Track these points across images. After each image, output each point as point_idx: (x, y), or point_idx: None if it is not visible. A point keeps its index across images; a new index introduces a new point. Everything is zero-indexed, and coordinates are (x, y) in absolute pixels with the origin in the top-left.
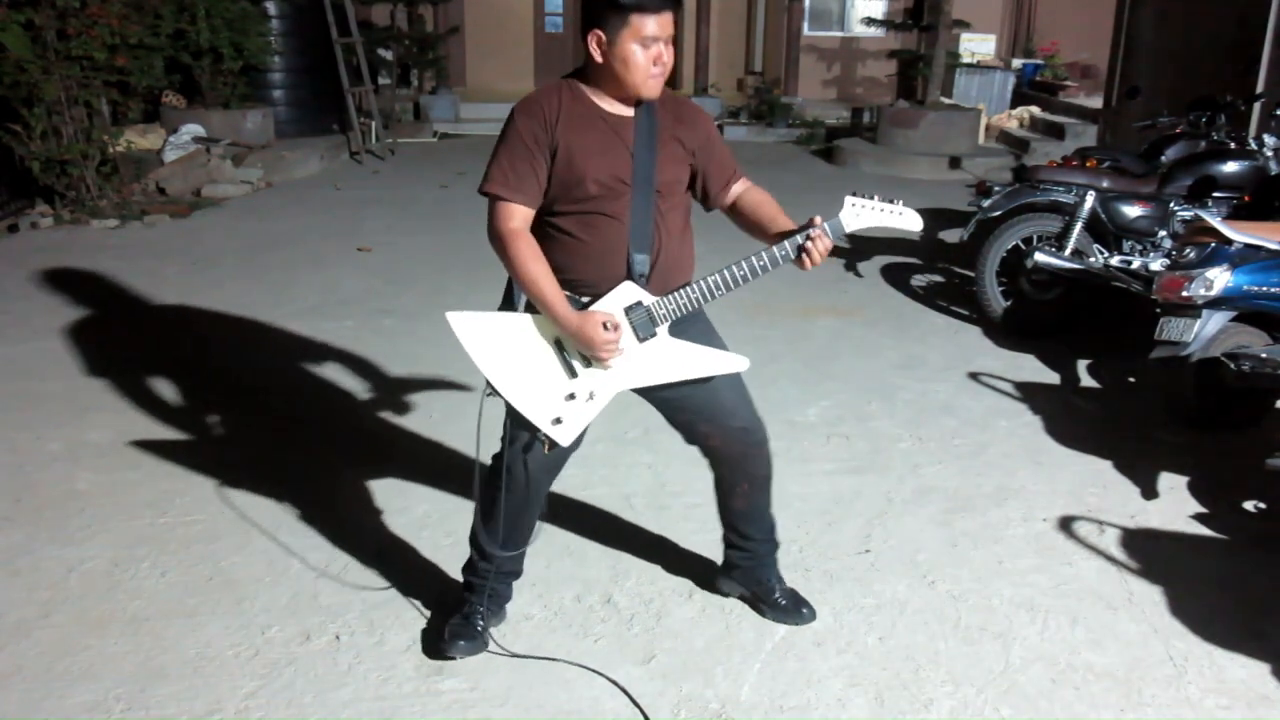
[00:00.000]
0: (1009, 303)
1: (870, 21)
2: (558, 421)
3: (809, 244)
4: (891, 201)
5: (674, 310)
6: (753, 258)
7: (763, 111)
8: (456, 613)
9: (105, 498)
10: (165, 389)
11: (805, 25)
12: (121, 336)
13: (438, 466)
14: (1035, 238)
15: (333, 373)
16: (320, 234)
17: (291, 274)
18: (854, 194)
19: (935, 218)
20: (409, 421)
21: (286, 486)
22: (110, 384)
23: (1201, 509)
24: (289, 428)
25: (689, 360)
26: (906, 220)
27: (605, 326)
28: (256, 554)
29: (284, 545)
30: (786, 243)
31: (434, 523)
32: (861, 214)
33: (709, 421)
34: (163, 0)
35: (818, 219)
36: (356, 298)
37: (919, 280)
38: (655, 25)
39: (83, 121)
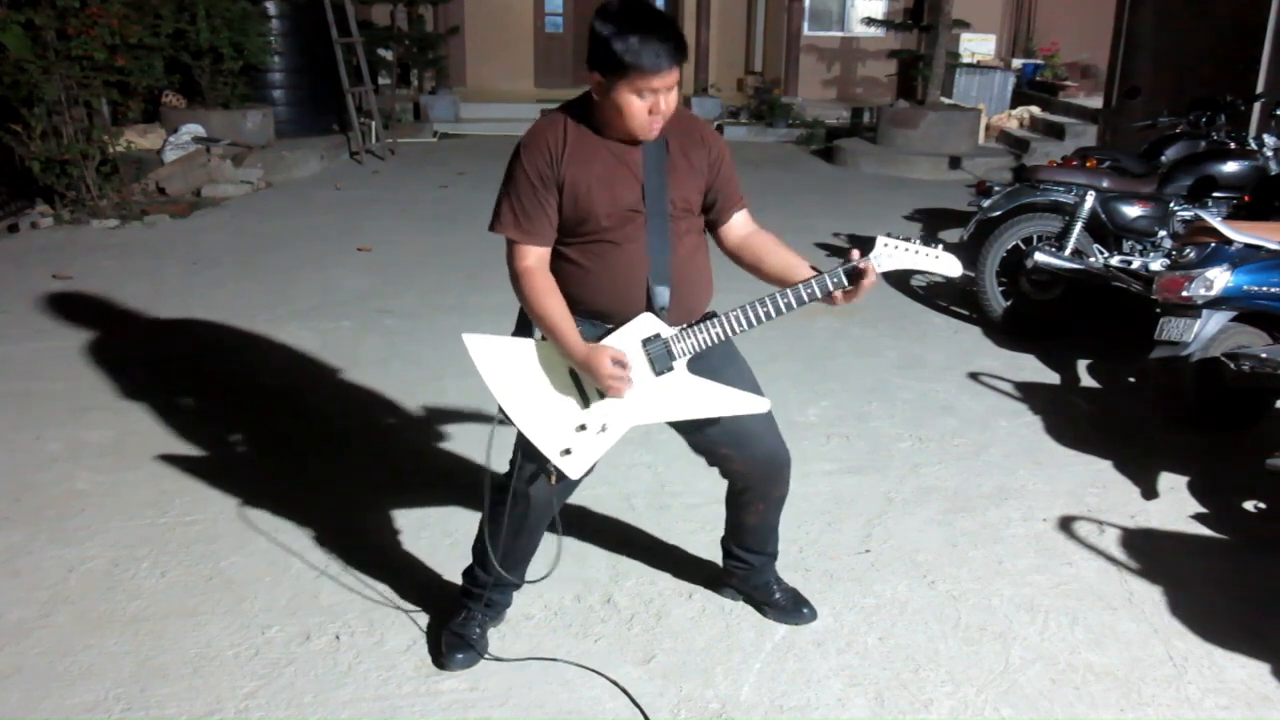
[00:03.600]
0: (1009, 303)
1: (870, 21)
2: (567, 452)
3: (846, 287)
4: (929, 244)
5: (693, 346)
6: (778, 296)
7: (763, 111)
8: (453, 619)
9: (105, 498)
10: (165, 389)
11: (805, 25)
12: (121, 336)
13: (437, 466)
14: (1035, 238)
15: (332, 373)
16: (320, 234)
17: (291, 274)
18: (888, 234)
19: (935, 218)
20: (408, 421)
21: (286, 486)
22: (110, 384)
23: (1201, 509)
24: (288, 428)
25: (706, 398)
26: (943, 265)
27: (614, 362)
28: (256, 554)
29: (284, 545)
30: (814, 281)
31: (434, 523)
32: (894, 255)
33: (732, 446)
34: (162, 0)
35: (863, 262)
36: (356, 298)
37: (919, 280)
38: (656, 81)
39: (83, 121)
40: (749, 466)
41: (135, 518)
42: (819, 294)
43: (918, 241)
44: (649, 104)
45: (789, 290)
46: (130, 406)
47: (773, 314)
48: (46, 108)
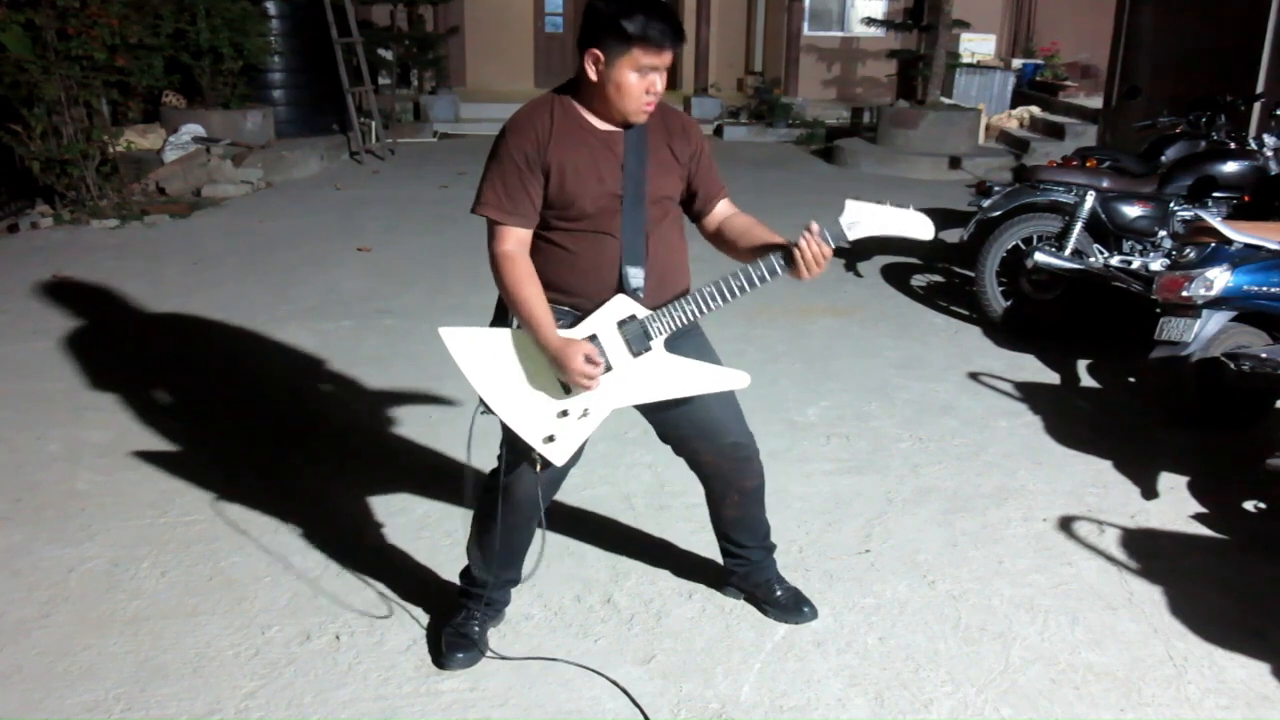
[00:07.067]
0: (1009, 303)
1: (870, 21)
2: (550, 439)
3: (802, 247)
4: (900, 206)
5: (669, 324)
6: (749, 268)
7: (763, 111)
8: (453, 619)
9: (105, 498)
10: (165, 389)
11: (805, 25)
12: (121, 336)
13: (437, 467)
14: (1035, 238)
15: (332, 373)
16: (320, 234)
17: (291, 274)
18: (856, 197)
19: (935, 218)
20: (408, 422)
21: (286, 486)
22: (110, 384)
23: (1201, 509)
24: (288, 428)
25: (686, 376)
26: (915, 224)
27: (586, 359)
28: (256, 554)
29: (284, 545)
30: (782, 251)
31: (433, 523)
32: (865, 219)
33: (700, 438)
34: (163, 0)
35: (813, 225)
36: (356, 298)
37: (919, 280)
38: (658, 58)
39: (83, 121)
40: (716, 458)
41: (135, 518)
42: (782, 269)
43: (888, 202)
44: (647, 82)
45: (760, 263)
46: (130, 406)
47: (746, 288)
48: (46, 108)
